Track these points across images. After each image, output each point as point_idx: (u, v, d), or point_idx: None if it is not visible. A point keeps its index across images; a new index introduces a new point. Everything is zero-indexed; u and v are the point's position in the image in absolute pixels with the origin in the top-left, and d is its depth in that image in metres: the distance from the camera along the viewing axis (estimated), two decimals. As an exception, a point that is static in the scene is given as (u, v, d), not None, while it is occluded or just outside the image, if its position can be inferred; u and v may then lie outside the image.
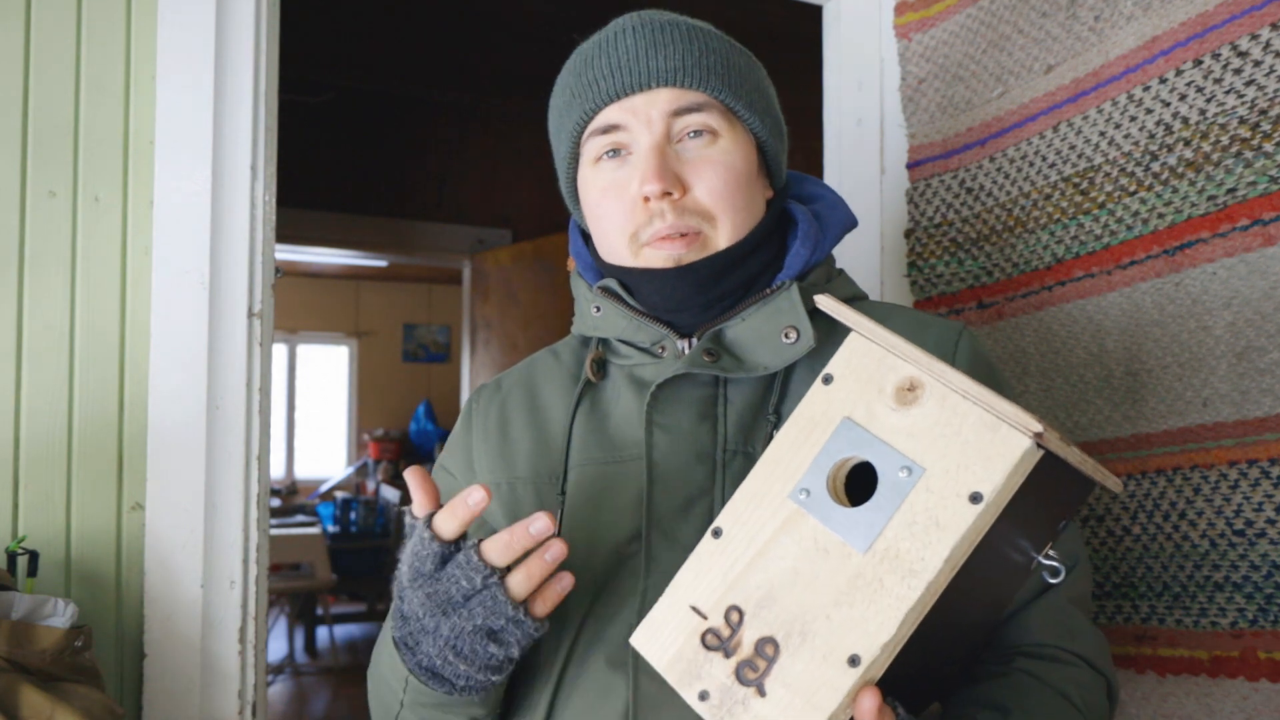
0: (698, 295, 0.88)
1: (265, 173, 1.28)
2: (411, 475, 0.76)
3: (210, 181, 1.22)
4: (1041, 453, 0.62)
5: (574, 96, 0.90)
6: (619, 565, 0.85)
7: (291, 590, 4.81)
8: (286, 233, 3.81)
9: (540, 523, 0.73)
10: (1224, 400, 1.01)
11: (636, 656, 0.80)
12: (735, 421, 0.86)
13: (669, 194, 0.85)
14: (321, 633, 5.26)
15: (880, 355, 0.69)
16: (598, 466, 0.89)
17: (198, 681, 1.19)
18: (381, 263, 6.67)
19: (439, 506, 0.75)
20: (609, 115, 0.88)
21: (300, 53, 2.55)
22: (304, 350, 7.77)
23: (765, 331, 0.87)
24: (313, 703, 4.50)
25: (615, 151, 0.88)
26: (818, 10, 1.67)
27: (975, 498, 0.61)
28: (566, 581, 0.76)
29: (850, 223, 0.98)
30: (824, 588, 0.65)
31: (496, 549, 0.73)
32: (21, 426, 1.16)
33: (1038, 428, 0.60)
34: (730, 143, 0.88)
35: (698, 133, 0.87)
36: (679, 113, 0.86)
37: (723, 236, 0.88)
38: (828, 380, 0.71)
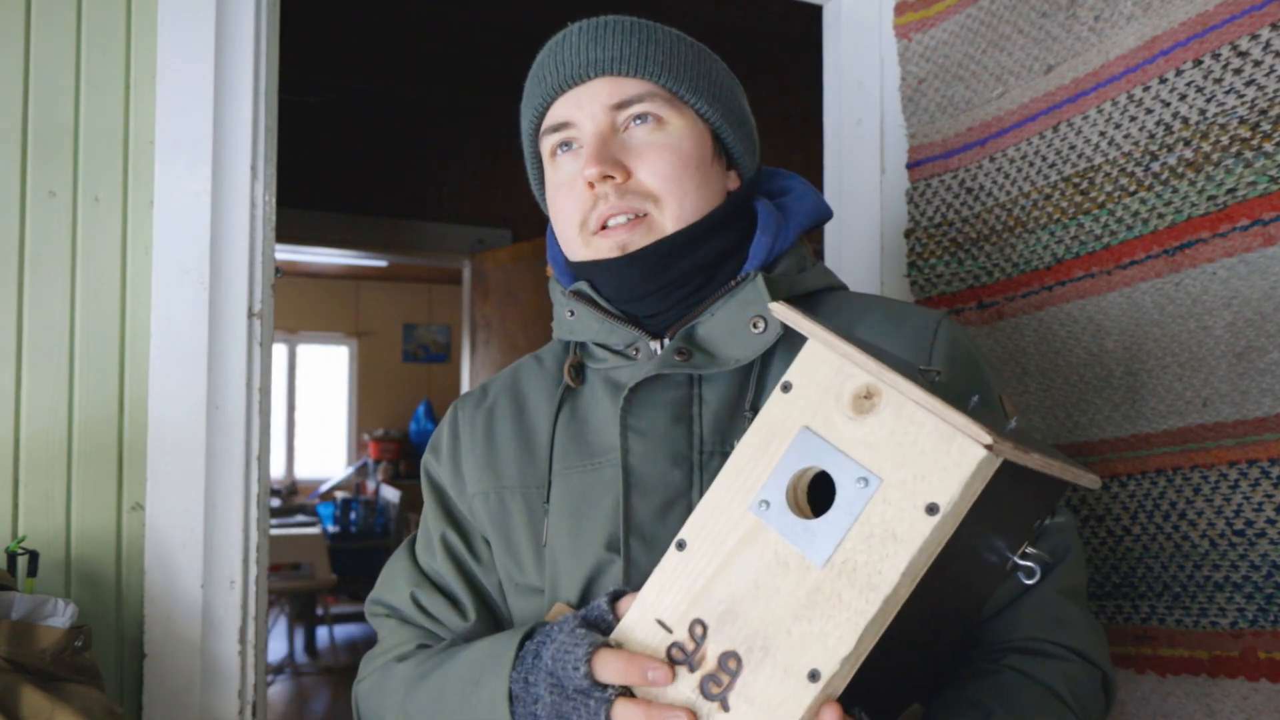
0: (647, 281, 0.89)
1: (265, 173, 1.28)
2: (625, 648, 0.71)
3: (210, 181, 1.22)
4: (1000, 460, 0.61)
5: (529, 96, 0.93)
6: (601, 572, 0.85)
7: (291, 590, 4.81)
8: (286, 233, 3.81)
9: None
10: (1224, 400, 1.01)
11: None
12: (711, 421, 0.86)
13: (610, 177, 0.86)
14: (321, 633, 5.26)
15: (838, 363, 0.68)
16: (578, 474, 0.90)
17: (198, 681, 1.19)
18: (381, 263, 6.67)
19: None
20: (557, 112, 0.90)
21: (300, 53, 2.55)
22: (304, 350, 7.77)
23: (734, 324, 0.88)
24: (313, 703, 4.50)
25: (567, 145, 0.90)
26: (818, 10, 1.67)
27: (932, 509, 0.60)
28: None
29: (821, 212, 0.98)
30: (784, 601, 0.65)
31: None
32: (21, 426, 1.16)
33: (988, 439, 0.59)
34: (678, 128, 0.89)
35: (643, 118, 0.88)
36: (622, 103, 0.88)
37: (669, 218, 0.88)
38: (786, 388, 0.70)
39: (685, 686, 0.67)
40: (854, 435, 0.65)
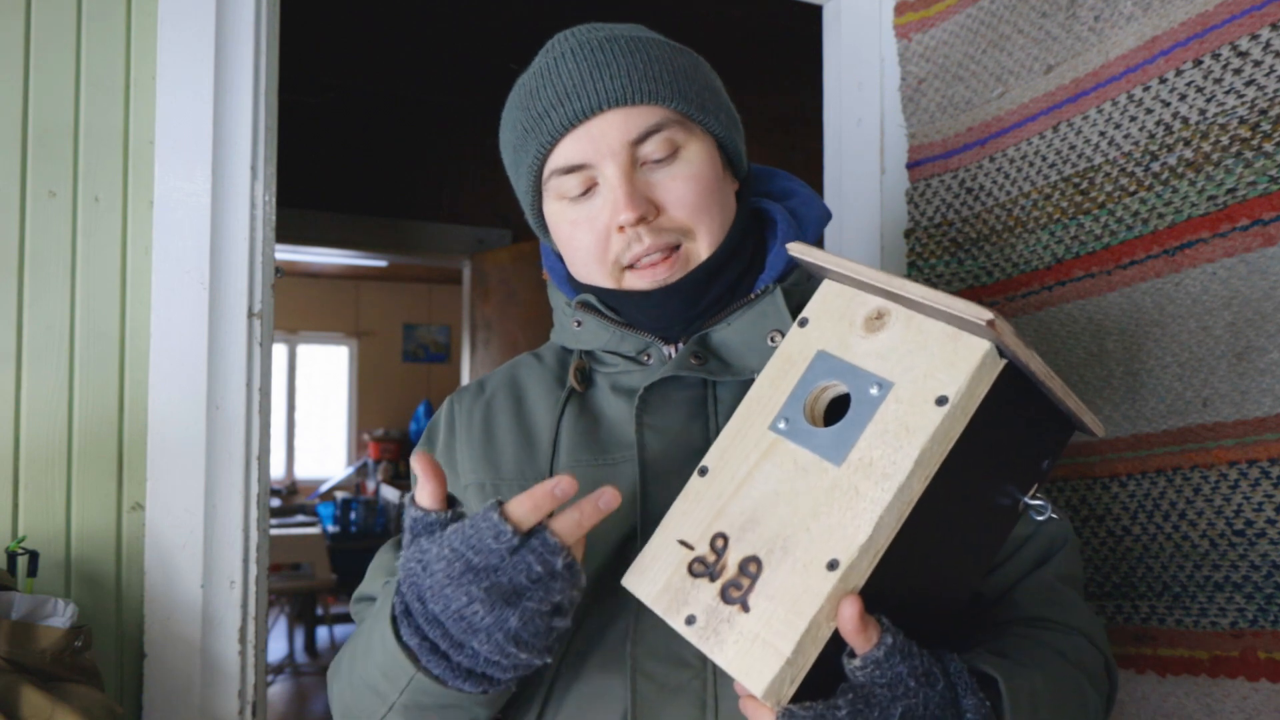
0: (685, 310, 0.89)
1: (265, 173, 1.28)
2: (419, 461, 0.73)
3: (210, 181, 1.22)
4: (1004, 362, 0.65)
5: (526, 132, 0.88)
6: (614, 568, 0.84)
7: (291, 590, 4.81)
8: (286, 233, 3.81)
9: (608, 496, 0.70)
10: (1224, 400, 1.01)
11: (635, 659, 0.79)
12: (726, 417, 0.86)
13: (644, 219, 0.85)
14: (321, 633, 5.27)
15: (851, 294, 0.73)
16: (586, 469, 0.89)
17: (198, 681, 1.19)
18: (381, 263, 6.67)
19: (443, 493, 0.72)
20: (569, 152, 0.86)
21: (300, 53, 2.55)
22: (304, 350, 7.77)
23: (750, 336, 0.88)
24: (313, 703, 4.50)
25: (585, 192, 0.87)
26: (818, 10, 1.67)
27: (941, 400, 0.64)
28: (606, 498, 0.71)
29: (825, 216, 0.98)
30: (803, 503, 0.67)
31: (568, 528, 0.69)
32: (21, 426, 1.16)
33: (989, 315, 0.62)
34: (693, 151, 0.87)
35: (661, 152, 0.86)
36: (640, 140, 0.85)
37: (703, 246, 0.87)
38: (803, 323, 0.75)
39: (706, 595, 0.68)
40: (867, 350, 0.70)
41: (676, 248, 0.87)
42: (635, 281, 0.88)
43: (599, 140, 0.85)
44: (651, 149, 0.85)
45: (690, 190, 0.86)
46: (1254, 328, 0.99)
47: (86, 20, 1.21)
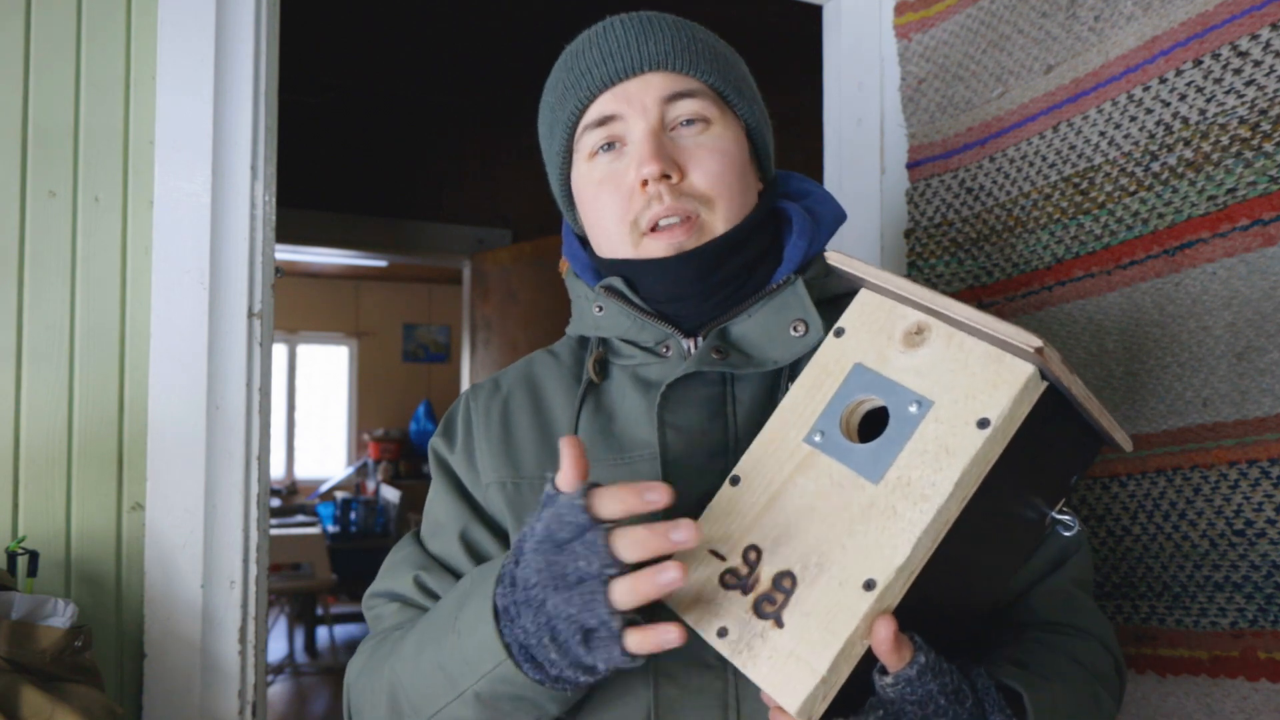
0: (699, 282, 0.89)
1: (265, 173, 1.28)
2: (567, 445, 0.70)
3: (210, 181, 1.22)
4: (1046, 384, 0.64)
5: (566, 90, 0.90)
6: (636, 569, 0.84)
7: (291, 590, 4.81)
8: (286, 233, 3.81)
9: (685, 531, 0.65)
10: (1224, 400, 1.01)
11: (657, 660, 0.79)
12: (745, 418, 0.86)
13: (667, 176, 0.86)
14: (321, 633, 5.26)
15: (890, 306, 0.72)
16: (606, 468, 0.88)
17: (198, 681, 1.19)
18: (381, 263, 6.67)
19: (582, 481, 0.70)
20: (603, 105, 0.88)
21: (300, 53, 2.55)
22: (304, 350, 7.77)
23: (773, 327, 0.88)
24: (313, 703, 4.50)
25: (610, 145, 0.89)
26: (818, 10, 1.67)
27: (983, 423, 0.63)
28: (670, 636, 0.65)
29: (841, 216, 0.98)
30: (839, 520, 0.66)
31: (627, 543, 0.65)
32: (21, 426, 1.16)
33: (1038, 343, 0.61)
34: (723, 129, 0.89)
35: (691, 121, 0.88)
36: (672, 99, 0.87)
37: (720, 220, 0.88)
38: (839, 333, 0.74)
39: (738, 608, 0.67)
40: (906, 365, 0.69)
41: (695, 217, 0.88)
42: (652, 246, 0.88)
43: (634, 97, 0.87)
44: (682, 110, 0.87)
45: (715, 161, 0.87)
46: (1254, 328, 0.99)
47: (86, 20, 1.21)
